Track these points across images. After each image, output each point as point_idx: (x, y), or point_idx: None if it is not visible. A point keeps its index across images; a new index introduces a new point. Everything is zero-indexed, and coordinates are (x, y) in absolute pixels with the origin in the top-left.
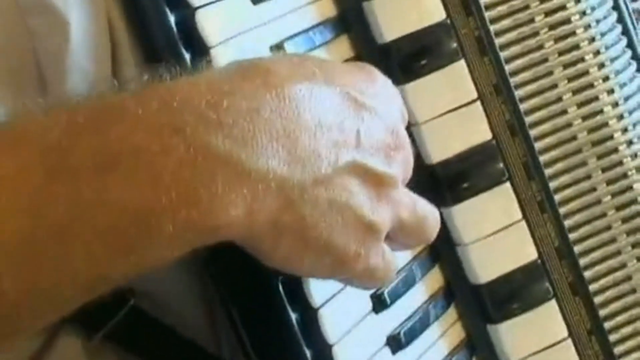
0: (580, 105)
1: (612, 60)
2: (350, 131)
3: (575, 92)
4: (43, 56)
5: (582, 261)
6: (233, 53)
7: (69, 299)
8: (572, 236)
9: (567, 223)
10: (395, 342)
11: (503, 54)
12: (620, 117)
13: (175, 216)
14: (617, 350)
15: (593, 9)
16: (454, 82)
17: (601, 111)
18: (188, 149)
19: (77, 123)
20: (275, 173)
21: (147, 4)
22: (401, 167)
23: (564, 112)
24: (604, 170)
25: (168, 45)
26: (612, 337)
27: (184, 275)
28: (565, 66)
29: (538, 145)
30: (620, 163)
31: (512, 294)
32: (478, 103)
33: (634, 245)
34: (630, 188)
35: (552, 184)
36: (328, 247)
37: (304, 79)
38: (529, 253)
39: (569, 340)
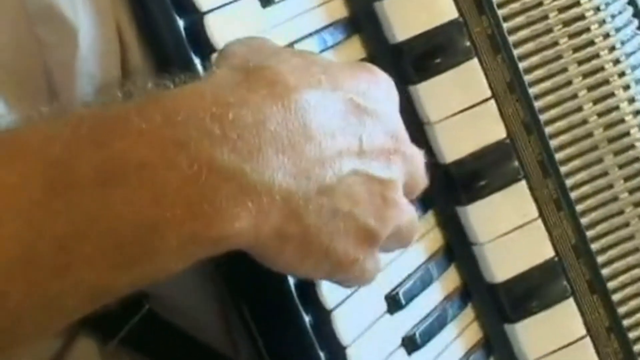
0: (596, 101)
1: (628, 55)
2: (353, 138)
3: (590, 88)
4: (52, 65)
5: (600, 259)
6: None
7: (72, 310)
8: (589, 234)
9: (584, 221)
10: (411, 343)
11: (516, 52)
12: (637, 113)
13: (179, 230)
14: (637, 348)
15: (607, 4)
16: (467, 81)
17: (617, 107)
18: (192, 164)
19: (80, 135)
20: (281, 186)
21: (155, 9)
22: (401, 170)
23: (579, 109)
24: (620, 166)
25: (177, 50)
26: (632, 335)
27: (197, 278)
28: (580, 63)
29: (553, 143)
30: (637, 159)
31: (529, 293)
32: (492, 101)
33: None
34: None
35: (568, 182)
36: (328, 253)
37: (310, 87)
38: (546, 251)
39: (588, 339)
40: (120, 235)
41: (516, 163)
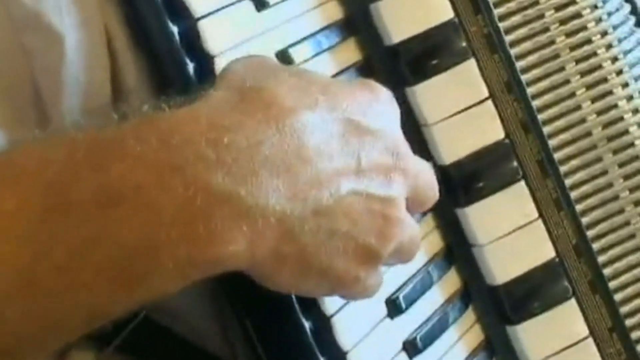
0: (594, 100)
1: (626, 53)
2: (351, 158)
3: (588, 87)
4: (38, 72)
5: (601, 258)
6: None
7: (70, 330)
8: (590, 233)
9: (585, 220)
10: (412, 347)
11: (513, 51)
12: (636, 111)
13: (175, 253)
14: None
15: (604, 2)
16: (464, 82)
17: (616, 105)
18: (187, 188)
19: (77, 159)
20: (275, 208)
21: (148, 15)
22: (403, 186)
23: (577, 107)
24: (620, 165)
25: (170, 54)
26: (634, 335)
27: (195, 285)
28: (578, 61)
29: (552, 143)
30: (637, 157)
31: (531, 294)
32: (489, 102)
33: None
34: None
35: (568, 181)
36: (329, 272)
37: (307, 108)
38: (547, 252)
39: (590, 339)
40: (117, 257)
41: (515, 163)
